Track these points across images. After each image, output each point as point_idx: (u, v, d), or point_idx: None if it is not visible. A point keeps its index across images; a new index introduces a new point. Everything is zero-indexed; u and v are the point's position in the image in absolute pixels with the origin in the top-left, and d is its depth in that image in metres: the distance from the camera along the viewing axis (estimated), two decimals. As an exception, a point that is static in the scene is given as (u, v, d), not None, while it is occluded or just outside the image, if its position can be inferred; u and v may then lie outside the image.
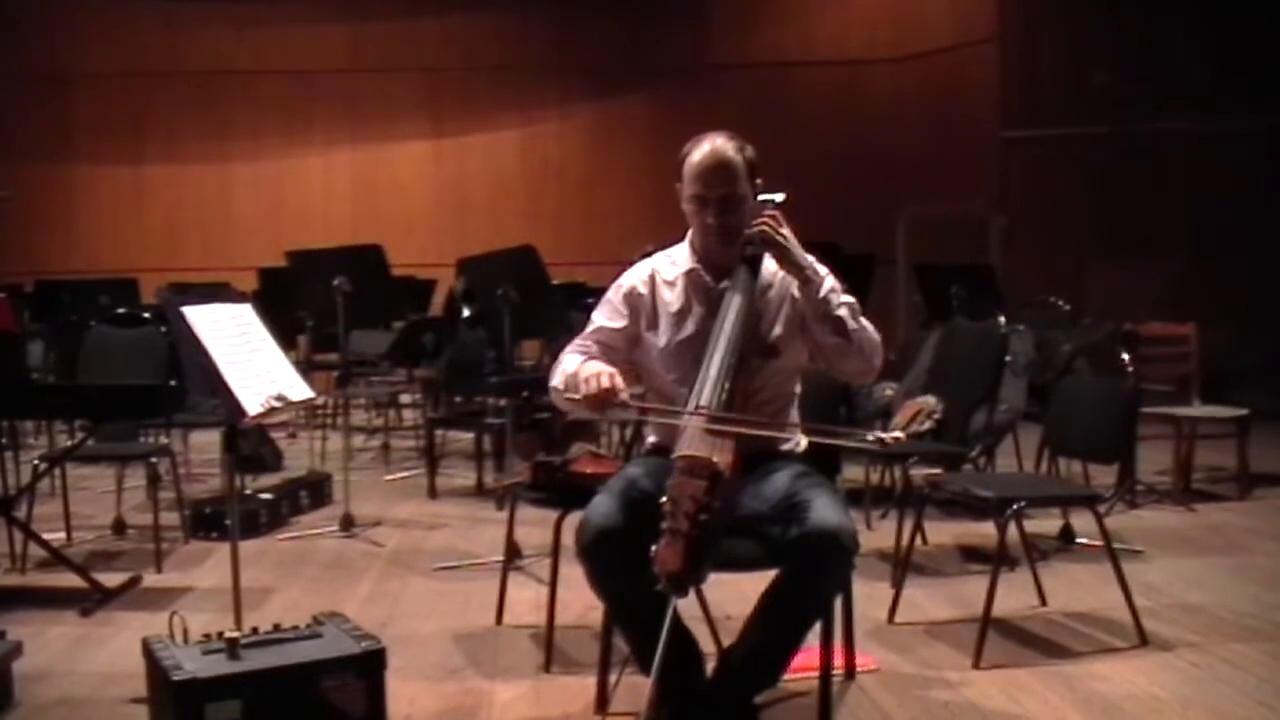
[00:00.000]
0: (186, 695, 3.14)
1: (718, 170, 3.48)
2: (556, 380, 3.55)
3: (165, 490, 6.39)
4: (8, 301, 7.94)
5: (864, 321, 3.48)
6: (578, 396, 3.36)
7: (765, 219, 3.41)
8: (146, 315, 6.65)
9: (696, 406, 3.25)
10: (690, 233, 3.66)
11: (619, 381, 3.33)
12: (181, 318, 3.89)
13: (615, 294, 3.72)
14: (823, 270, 3.48)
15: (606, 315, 3.70)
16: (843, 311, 3.44)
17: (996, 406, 6.32)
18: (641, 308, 3.66)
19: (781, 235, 3.40)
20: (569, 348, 3.67)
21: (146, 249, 13.17)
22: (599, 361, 3.46)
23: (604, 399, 3.31)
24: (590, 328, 3.71)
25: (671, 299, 3.62)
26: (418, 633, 4.66)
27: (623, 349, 3.67)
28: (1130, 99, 11.89)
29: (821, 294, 3.43)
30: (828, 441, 3.65)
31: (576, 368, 3.46)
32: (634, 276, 3.73)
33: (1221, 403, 7.57)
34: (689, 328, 3.57)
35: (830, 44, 13.99)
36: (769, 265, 3.54)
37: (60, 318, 8.63)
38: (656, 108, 13.45)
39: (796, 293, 3.52)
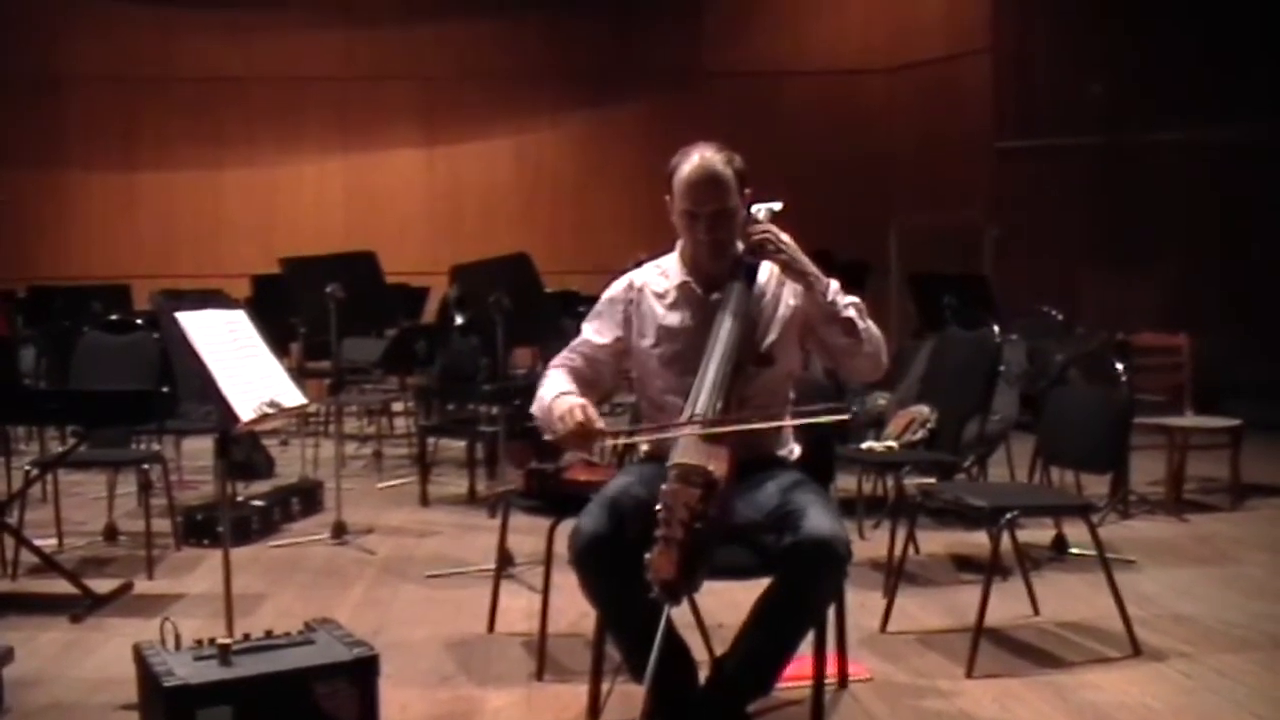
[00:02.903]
0: (178, 701, 3.13)
1: (707, 186, 3.47)
2: (535, 408, 3.58)
3: (157, 497, 6.38)
4: (0, 307, 7.93)
5: (869, 320, 3.49)
6: (555, 437, 3.41)
7: (764, 231, 3.41)
8: (139, 321, 6.64)
9: (692, 415, 3.25)
10: (680, 243, 3.67)
11: (591, 413, 3.35)
12: (175, 323, 3.88)
13: (604, 306, 3.74)
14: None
15: (595, 329, 3.72)
16: (850, 312, 3.45)
17: (989, 416, 6.33)
18: (630, 318, 3.67)
19: (782, 245, 3.40)
20: (554, 361, 3.70)
21: (139, 255, 13.14)
22: (569, 395, 3.46)
23: (581, 435, 3.34)
24: (578, 339, 3.73)
25: (663, 311, 3.62)
26: (409, 640, 4.65)
27: (609, 363, 3.70)
28: (1123, 110, 11.93)
29: (829, 297, 3.43)
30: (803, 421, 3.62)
31: (550, 402, 3.47)
32: (621, 287, 3.74)
33: (1214, 413, 7.58)
34: (682, 339, 3.57)
35: (824, 53, 14.03)
36: (762, 274, 3.55)
37: (52, 323, 8.62)
38: (650, 115, 13.46)
39: (793, 300, 3.53)
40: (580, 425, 3.32)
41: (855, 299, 3.49)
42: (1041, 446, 5.67)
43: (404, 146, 13.95)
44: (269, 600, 5.25)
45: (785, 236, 3.43)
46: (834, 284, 3.47)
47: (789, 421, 3.51)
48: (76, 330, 6.79)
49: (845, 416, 3.19)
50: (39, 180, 13.35)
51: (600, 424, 3.36)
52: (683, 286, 3.61)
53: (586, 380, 3.65)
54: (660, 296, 3.64)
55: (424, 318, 10.58)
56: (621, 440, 3.46)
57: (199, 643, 3.40)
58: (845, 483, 6.35)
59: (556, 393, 3.51)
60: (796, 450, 3.68)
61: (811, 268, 3.43)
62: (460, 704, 3.99)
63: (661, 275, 3.68)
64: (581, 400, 3.41)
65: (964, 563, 5.88)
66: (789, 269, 3.43)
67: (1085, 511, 4.76)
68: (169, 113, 13.63)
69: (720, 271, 3.54)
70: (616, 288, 3.74)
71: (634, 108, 13.87)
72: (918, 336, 8.26)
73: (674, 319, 3.60)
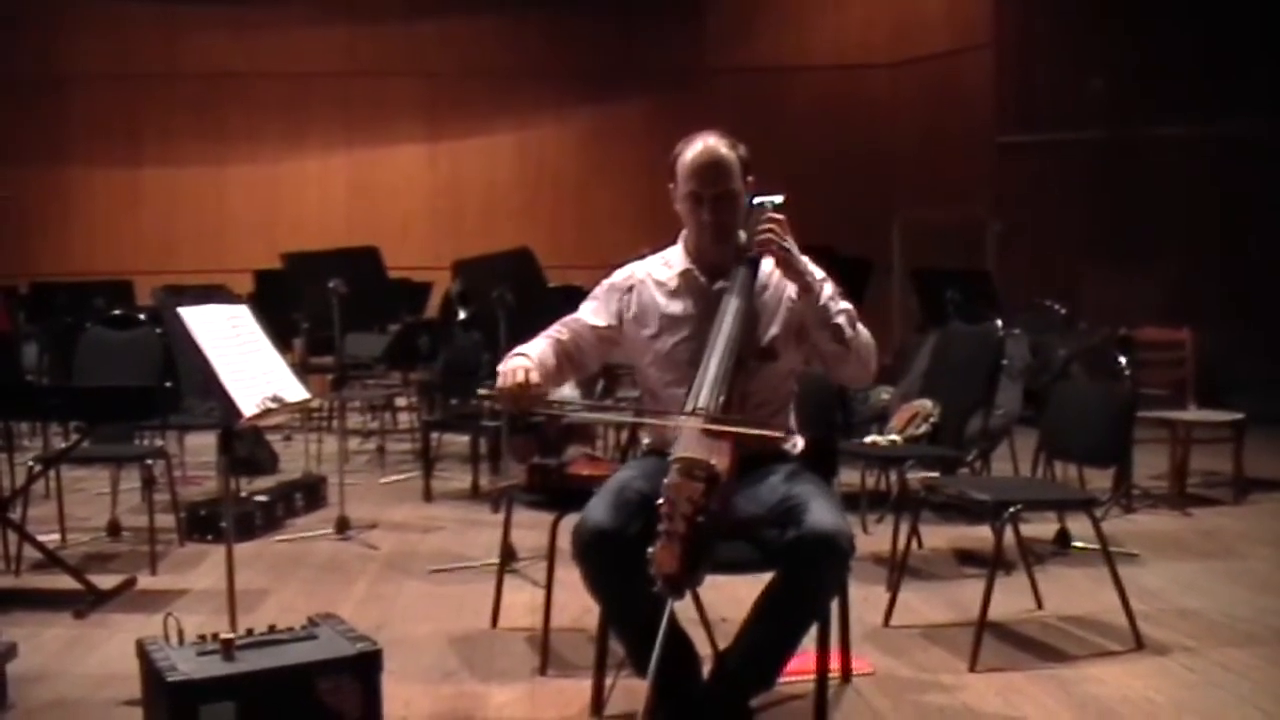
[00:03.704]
0: (181, 697, 3.13)
1: (712, 168, 3.48)
2: (501, 365, 3.59)
3: (160, 492, 6.38)
4: (3, 303, 7.94)
5: (860, 328, 3.49)
6: (493, 391, 3.42)
7: (771, 224, 3.40)
8: (142, 317, 6.64)
9: (694, 409, 3.25)
10: (683, 234, 3.67)
11: (534, 377, 3.38)
12: (178, 318, 3.88)
13: (604, 292, 3.74)
14: (820, 275, 3.49)
15: (590, 311, 3.73)
16: (841, 319, 3.44)
17: (993, 410, 6.33)
18: (628, 308, 3.67)
19: (786, 241, 3.39)
20: (545, 331, 3.70)
21: (141, 251, 13.15)
22: (525, 358, 3.49)
23: (516, 395, 3.37)
24: (571, 316, 3.74)
25: (666, 301, 3.62)
26: (413, 635, 4.66)
27: (595, 345, 3.71)
28: (1125, 105, 11.92)
29: (822, 301, 3.43)
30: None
31: (507, 358, 3.52)
32: (622, 276, 3.74)
33: (1217, 407, 7.57)
34: (685, 330, 3.57)
35: (827, 49, 14.02)
36: (765, 266, 3.54)
37: (55, 319, 8.62)
38: (652, 112, 13.45)
39: (794, 295, 3.52)
40: (519, 386, 3.35)
41: (849, 306, 3.49)
42: (1044, 441, 5.67)
43: (407, 142, 13.95)
44: (272, 596, 5.25)
45: (788, 235, 3.42)
46: (828, 288, 3.47)
47: (739, 429, 3.43)
48: (79, 326, 6.79)
49: (779, 434, 3.19)
50: (42, 177, 13.36)
51: (545, 392, 3.42)
52: (685, 274, 3.61)
53: (570, 356, 3.67)
54: (662, 285, 3.64)
55: (427, 313, 10.58)
56: (554, 411, 3.51)
57: (202, 638, 3.40)
58: (848, 477, 6.34)
59: (520, 352, 3.54)
60: (800, 443, 3.68)
61: (809, 268, 3.43)
62: (463, 699, 3.99)
63: (664, 265, 3.68)
64: (532, 364, 3.43)
65: (967, 557, 5.88)
66: (788, 266, 3.42)
67: (1088, 506, 4.75)
68: (172, 109, 13.64)
69: (723, 259, 3.54)
70: (618, 276, 3.74)
71: (636, 104, 13.85)
72: (921, 331, 8.27)
73: (677, 307, 3.60)
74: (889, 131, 13.72)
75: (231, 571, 3.89)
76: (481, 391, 3.52)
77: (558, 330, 3.69)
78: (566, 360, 3.66)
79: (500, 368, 3.49)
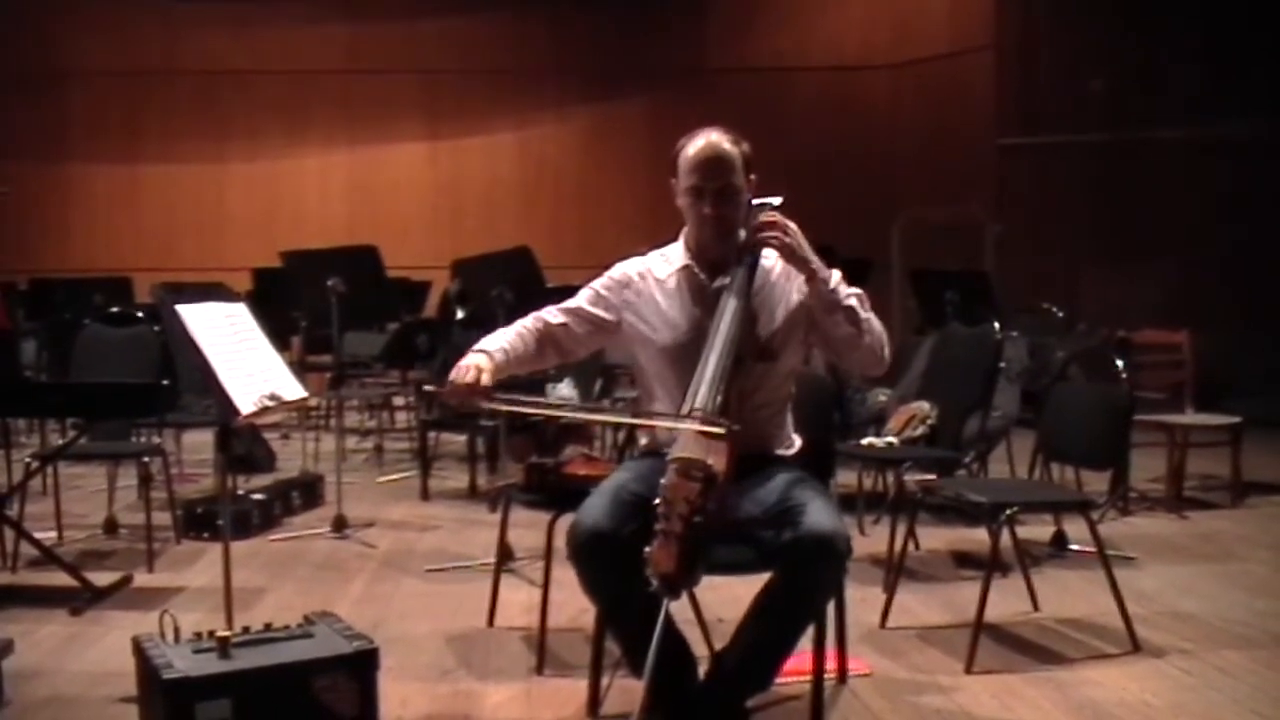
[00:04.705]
0: (177, 694, 3.13)
1: (714, 162, 3.47)
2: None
3: (157, 490, 6.38)
4: (2, 299, 7.93)
5: (870, 312, 3.48)
6: (440, 389, 3.47)
7: (769, 220, 3.39)
8: (140, 314, 6.64)
9: (691, 409, 3.24)
10: (684, 232, 3.66)
11: (485, 379, 3.39)
12: (176, 315, 3.87)
13: (603, 283, 3.72)
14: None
15: (588, 300, 3.71)
16: (852, 301, 3.43)
17: (990, 412, 6.33)
18: (628, 303, 3.65)
19: (787, 233, 3.38)
20: (540, 312, 3.70)
21: (141, 248, 13.15)
22: (483, 355, 3.47)
23: (463, 394, 3.41)
24: (572, 302, 3.72)
25: (665, 298, 3.61)
26: (410, 634, 4.65)
27: (587, 334, 3.70)
28: (1125, 107, 11.92)
29: (831, 285, 3.42)
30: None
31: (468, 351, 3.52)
32: (625, 270, 3.72)
33: (1215, 410, 7.57)
34: (684, 327, 3.55)
35: (827, 49, 14.02)
36: (765, 265, 3.54)
37: (54, 316, 8.62)
38: (653, 111, 13.44)
39: (798, 296, 3.51)
40: (468, 386, 3.37)
41: (858, 290, 3.48)
42: (1042, 443, 5.67)
43: (407, 141, 13.94)
44: (269, 594, 5.25)
45: (791, 225, 3.41)
46: (836, 274, 3.46)
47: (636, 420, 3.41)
48: (78, 323, 6.78)
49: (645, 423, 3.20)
50: (42, 173, 13.35)
51: (488, 394, 3.41)
52: (685, 270, 3.60)
53: (557, 343, 3.68)
54: (663, 283, 3.63)
55: (425, 312, 10.59)
56: (502, 408, 3.53)
57: (198, 636, 3.40)
58: (846, 478, 6.34)
59: (480, 349, 3.51)
60: (798, 442, 3.68)
61: (814, 257, 3.42)
62: (460, 698, 3.99)
63: (665, 261, 3.67)
64: (484, 364, 3.42)
65: (964, 559, 5.88)
66: (792, 257, 3.40)
67: (1085, 508, 4.75)
68: (172, 106, 13.64)
69: (724, 255, 3.52)
70: (618, 270, 3.72)
71: (637, 103, 13.85)
72: (919, 333, 8.27)
73: (676, 304, 3.59)
74: (889, 132, 13.72)
75: (228, 569, 3.89)
76: (427, 388, 3.56)
77: (550, 314, 3.68)
78: (551, 345, 3.66)
79: (461, 363, 3.47)
